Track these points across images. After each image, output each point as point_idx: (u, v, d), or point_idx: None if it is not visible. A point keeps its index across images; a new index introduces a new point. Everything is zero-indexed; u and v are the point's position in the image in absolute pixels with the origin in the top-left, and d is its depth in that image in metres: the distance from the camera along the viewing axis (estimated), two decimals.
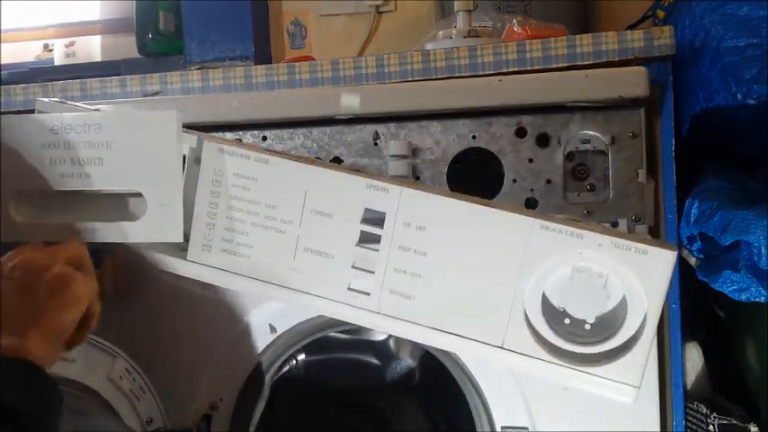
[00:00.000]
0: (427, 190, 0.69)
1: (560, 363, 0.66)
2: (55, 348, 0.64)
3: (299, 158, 0.72)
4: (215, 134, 0.75)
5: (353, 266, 0.70)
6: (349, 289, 0.70)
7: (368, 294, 0.69)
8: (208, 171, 0.72)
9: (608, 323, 0.66)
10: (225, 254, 0.72)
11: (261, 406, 1.02)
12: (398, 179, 0.75)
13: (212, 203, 0.72)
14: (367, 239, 0.70)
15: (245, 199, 0.71)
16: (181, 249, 0.74)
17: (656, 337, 0.83)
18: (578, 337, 0.67)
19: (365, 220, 0.69)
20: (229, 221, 0.72)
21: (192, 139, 0.72)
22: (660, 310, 0.65)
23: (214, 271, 0.72)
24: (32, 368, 0.59)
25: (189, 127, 0.74)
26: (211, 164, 0.72)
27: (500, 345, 0.67)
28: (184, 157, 0.73)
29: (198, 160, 0.72)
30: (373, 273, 0.69)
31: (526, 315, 0.67)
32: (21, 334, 0.60)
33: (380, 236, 0.69)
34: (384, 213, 0.68)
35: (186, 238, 0.73)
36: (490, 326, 0.67)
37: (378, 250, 0.69)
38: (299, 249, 0.70)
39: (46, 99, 0.76)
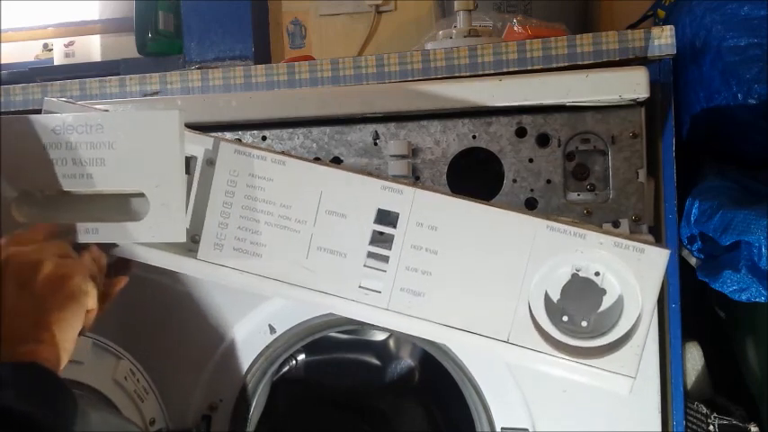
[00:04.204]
0: (439, 191, 0.71)
1: (561, 356, 0.68)
2: (68, 345, 0.63)
3: (312, 161, 0.74)
4: (215, 134, 0.75)
5: (365, 265, 0.71)
6: (360, 287, 0.71)
7: (379, 292, 0.71)
8: (223, 172, 0.73)
9: (605, 318, 0.69)
10: (237, 253, 0.73)
11: (260, 406, 1.03)
12: (400, 179, 0.75)
13: (226, 203, 0.73)
14: (379, 239, 0.71)
15: (260, 199, 0.72)
16: (188, 250, 0.74)
17: (656, 336, 0.84)
18: (577, 332, 0.69)
19: (378, 220, 0.71)
20: (243, 221, 0.73)
21: (207, 141, 0.73)
22: (655, 304, 0.67)
23: (225, 270, 0.73)
24: (46, 373, 0.58)
25: (189, 127, 0.74)
26: (227, 165, 0.73)
27: (506, 339, 0.69)
28: (194, 159, 0.74)
29: (211, 162, 0.73)
30: (385, 271, 0.71)
31: (530, 311, 0.69)
32: (34, 338, 0.60)
33: (393, 235, 0.70)
34: (397, 214, 0.70)
35: (192, 238, 0.73)
36: (496, 321, 0.69)
37: (390, 249, 0.71)
38: (312, 248, 0.72)
39: (55, 99, 0.76)
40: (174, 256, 0.74)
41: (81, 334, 0.67)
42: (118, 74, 1.08)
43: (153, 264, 0.74)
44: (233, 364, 0.93)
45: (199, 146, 0.73)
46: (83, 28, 1.90)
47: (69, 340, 0.63)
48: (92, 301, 0.67)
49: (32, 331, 0.60)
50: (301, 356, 1.14)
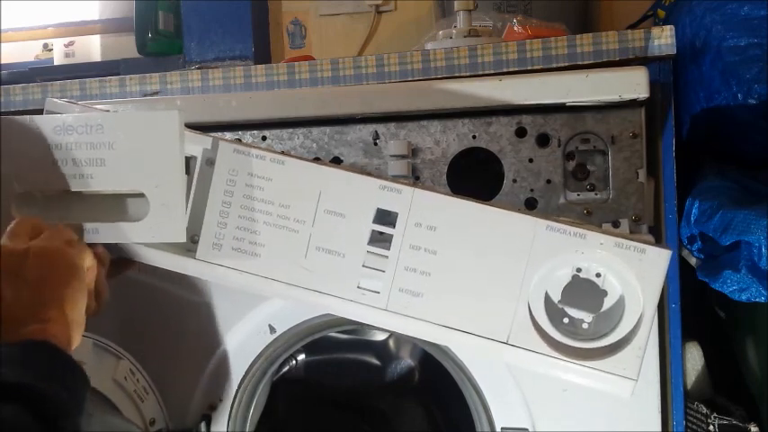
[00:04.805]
0: (438, 191, 0.71)
1: (562, 358, 0.68)
2: (77, 318, 0.63)
3: (312, 161, 0.73)
4: (215, 134, 0.75)
5: (364, 265, 0.71)
6: (359, 287, 0.71)
7: (377, 293, 0.71)
8: (222, 171, 0.73)
9: (606, 319, 0.68)
10: (236, 252, 0.73)
11: (260, 406, 1.03)
12: (400, 179, 0.75)
13: (225, 203, 0.73)
14: (378, 239, 0.71)
15: (259, 198, 0.72)
16: (187, 250, 0.74)
17: (656, 336, 0.84)
18: (578, 334, 0.69)
19: (377, 220, 0.71)
20: (242, 221, 0.72)
21: (206, 140, 0.73)
22: (656, 305, 0.67)
23: (224, 269, 0.73)
24: (55, 350, 0.58)
25: (189, 127, 0.74)
26: (226, 165, 0.73)
27: (505, 340, 0.69)
28: (194, 159, 0.74)
29: (210, 161, 0.73)
30: (383, 271, 0.70)
31: (530, 312, 0.68)
32: (40, 318, 0.59)
33: (392, 235, 0.70)
34: (396, 214, 0.70)
35: (191, 238, 0.73)
36: (496, 322, 0.69)
37: (389, 249, 0.70)
38: (310, 248, 0.72)
39: (56, 99, 0.76)
40: (173, 256, 0.74)
41: (99, 306, 0.67)
42: (118, 74, 1.08)
43: (151, 263, 0.74)
44: (233, 364, 0.93)
45: (198, 145, 0.73)
46: (83, 28, 1.91)
47: (77, 312, 0.63)
48: (88, 260, 0.67)
49: (37, 312, 0.60)
50: (301, 356, 1.14)
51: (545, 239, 0.67)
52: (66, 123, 0.71)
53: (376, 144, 0.88)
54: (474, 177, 0.87)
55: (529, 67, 0.86)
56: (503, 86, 0.83)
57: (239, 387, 0.94)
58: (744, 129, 0.90)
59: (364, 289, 0.71)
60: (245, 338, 0.92)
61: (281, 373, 1.13)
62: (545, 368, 0.69)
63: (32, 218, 0.69)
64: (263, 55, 1.68)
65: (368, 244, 0.71)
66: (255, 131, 0.92)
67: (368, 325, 0.75)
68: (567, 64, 0.85)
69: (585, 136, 0.84)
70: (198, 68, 1.12)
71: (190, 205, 0.73)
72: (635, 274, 0.66)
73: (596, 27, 1.60)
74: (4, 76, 1.62)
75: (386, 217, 0.71)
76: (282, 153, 0.73)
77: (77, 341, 0.63)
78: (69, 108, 0.75)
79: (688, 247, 0.91)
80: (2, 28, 1.95)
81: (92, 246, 0.71)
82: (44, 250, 0.64)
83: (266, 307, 0.91)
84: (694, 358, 0.95)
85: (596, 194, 0.85)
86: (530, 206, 0.85)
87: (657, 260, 0.66)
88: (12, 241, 0.65)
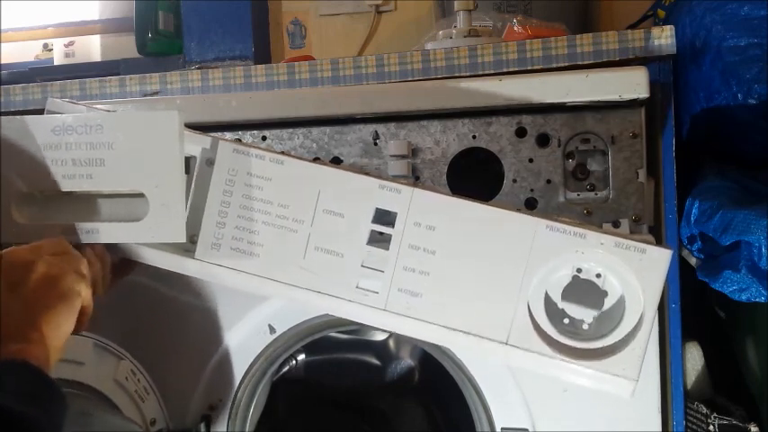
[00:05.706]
0: (437, 191, 0.71)
1: (562, 358, 0.68)
2: (57, 345, 0.63)
3: (312, 161, 0.74)
4: (215, 134, 0.75)
5: (363, 265, 0.71)
6: (358, 287, 0.71)
7: (376, 293, 0.71)
8: (221, 171, 0.73)
9: (607, 320, 0.68)
10: (234, 252, 0.73)
11: (260, 406, 1.03)
12: (400, 179, 0.75)
13: (224, 203, 0.73)
14: (377, 239, 0.71)
15: (258, 198, 0.72)
16: (185, 250, 0.74)
17: (656, 336, 0.83)
18: (578, 334, 0.68)
19: (376, 220, 0.71)
20: (240, 220, 0.73)
21: (205, 140, 0.73)
22: (657, 306, 0.67)
23: (222, 269, 0.73)
24: (35, 371, 0.58)
25: (189, 127, 0.74)
26: (226, 164, 0.73)
27: (505, 341, 0.68)
28: (194, 159, 0.74)
29: (210, 162, 0.73)
30: (382, 271, 0.70)
31: (530, 312, 0.68)
32: (23, 338, 0.60)
33: (391, 235, 0.70)
34: (395, 213, 0.70)
35: (190, 238, 0.73)
36: (495, 322, 0.69)
37: (388, 249, 0.70)
38: (309, 248, 0.72)
39: (58, 99, 0.76)
40: (172, 256, 0.74)
41: (77, 332, 0.67)
42: (118, 74, 1.08)
43: (150, 263, 0.74)
44: (233, 364, 0.93)
45: (198, 145, 0.73)
46: (83, 28, 1.91)
47: (59, 339, 0.63)
48: (85, 300, 0.67)
49: (22, 331, 0.60)
50: (301, 356, 1.14)
51: (545, 239, 0.67)
52: (65, 123, 0.71)
53: (376, 144, 0.88)
54: (474, 177, 0.87)
55: (529, 67, 0.86)
56: (503, 86, 0.83)
57: (239, 387, 0.94)
58: (744, 129, 0.90)
59: (363, 289, 0.71)
60: (245, 338, 0.92)
61: (281, 373, 1.13)
62: (545, 369, 0.68)
63: (62, 242, 0.69)
64: (263, 55, 1.68)
65: (367, 244, 0.71)
66: (255, 131, 0.92)
67: (367, 325, 0.75)
68: (566, 64, 0.86)
69: (585, 136, 0.84)
70: (198, 68, 1.12)
71: (189, 205, 0.73)
72: (635, 274, 0.66)
73: (596, 27, 1.60)
74: (4, 76, 1.62)
75: (385, 217, 0.71)
76: (282, 153, 0.73)
77: (54, 362, 0.62)
78: (70, 108, 0.75)
79: (688, 247, 0.91)
80: (2, 28, 1.95)
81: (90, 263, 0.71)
82: (48, 269, 0.64)
83: (266, 307, 0.91)
84: (694, 358, 0.95)
85: (596, 194, 0.85)
86: (530, 206, 0.85)
87: (658, 260, 0.66)
88: (30, 253, 0.65)
